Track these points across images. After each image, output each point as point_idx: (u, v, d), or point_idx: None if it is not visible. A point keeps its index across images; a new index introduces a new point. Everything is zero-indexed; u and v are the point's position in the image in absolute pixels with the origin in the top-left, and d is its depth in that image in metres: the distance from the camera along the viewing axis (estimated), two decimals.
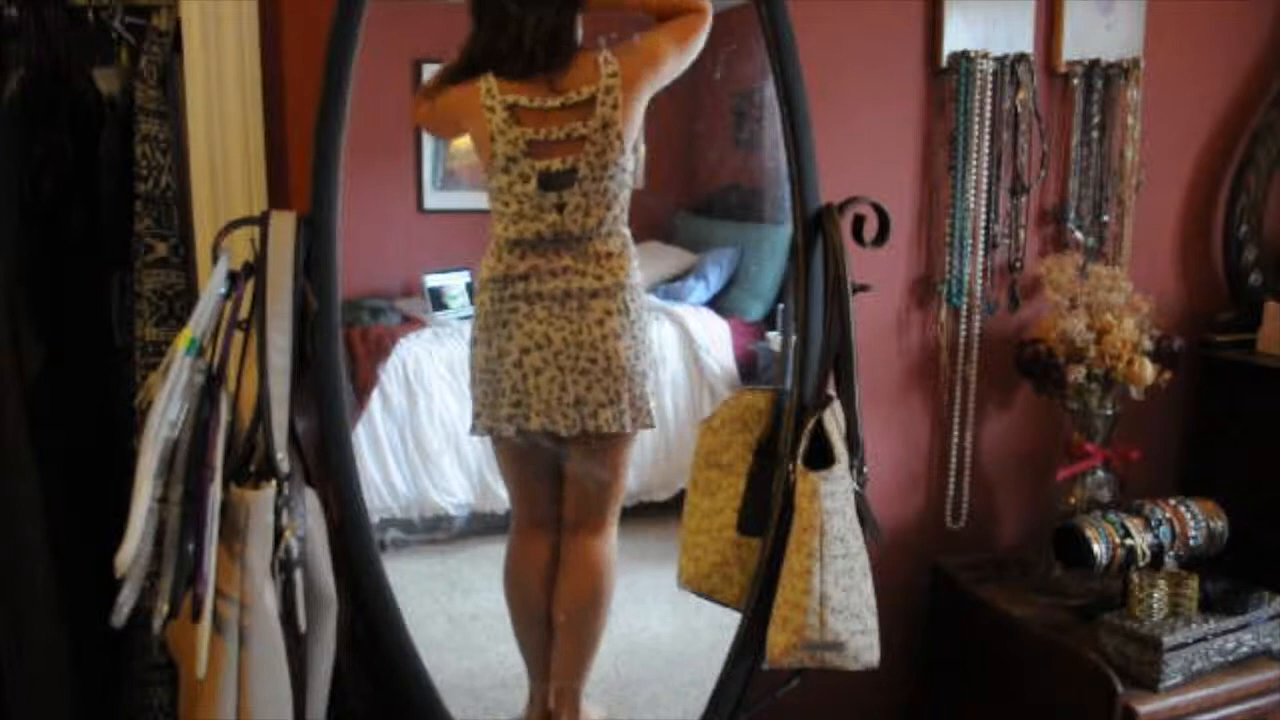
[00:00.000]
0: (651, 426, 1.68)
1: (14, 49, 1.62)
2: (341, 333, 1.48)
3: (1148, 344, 1.96)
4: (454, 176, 1.82)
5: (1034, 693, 1.88)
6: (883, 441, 2.03)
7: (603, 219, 1.61)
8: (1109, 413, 1.99)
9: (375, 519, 1.62)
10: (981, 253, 2.05)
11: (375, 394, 1.74)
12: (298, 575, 1.37)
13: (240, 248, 1.45)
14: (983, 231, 2.05)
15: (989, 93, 1.98)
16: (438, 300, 1.81)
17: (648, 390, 1.66)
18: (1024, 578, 2.05)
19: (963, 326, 2.08)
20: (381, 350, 1.74)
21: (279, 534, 1.36)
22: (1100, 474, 2.00)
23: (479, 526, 1.85)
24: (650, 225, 1.88)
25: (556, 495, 1.73)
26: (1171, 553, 1.84)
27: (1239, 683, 1.78)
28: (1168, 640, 1.70)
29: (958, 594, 2.06)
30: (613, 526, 1.74)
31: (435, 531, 1.84)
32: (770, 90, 1.61)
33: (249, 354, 1.43)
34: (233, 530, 1.33)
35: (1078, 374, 1.93)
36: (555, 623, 1.73)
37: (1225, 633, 1.78)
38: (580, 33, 1.60)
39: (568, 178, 1.58)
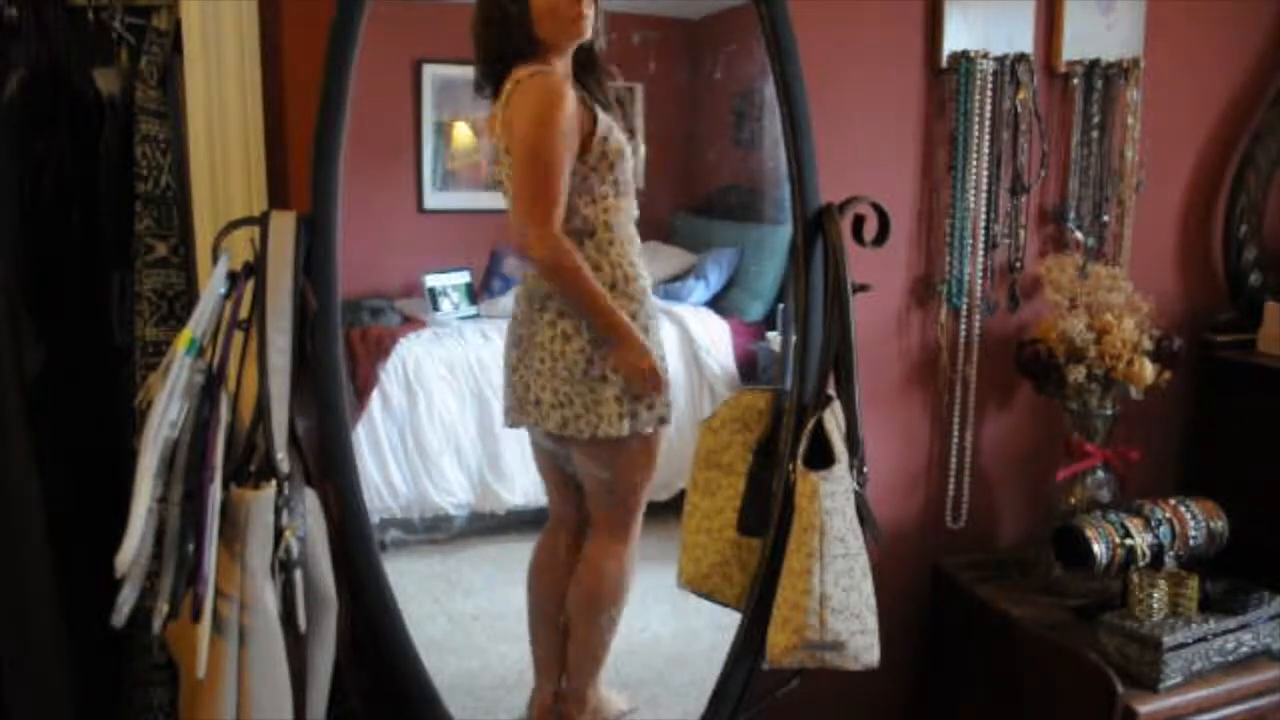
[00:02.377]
0: (615, 437, 1.62)
1: (14, 49, 1.62)
2: (341, 333, 1.48)
3: (1148, 344, 1.96)
4: (454, 177, 1.82)
5: (1034, 693, 1.88)
6: (883, 441, 2.02)
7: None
8: (1109, 413, 1.99)
9: (375, 519, 1.62)
10: (981, 253, 2.05)
11: (375, 394, 1.74)
12: (298, 575, 1.37)
13: (240, 248, 1.45)
14: (983, 231, 2.05)
15: (989, 93, 1.98)
16: (437, 300, 1.82)
17: (608, 396, 1.61)
18: (1024, 578, 2.05)
19: (963, 326, 2.07)
20: (381, 350, 1.74)
21: (279, 534, 1.36)
22: (1100, 474, 2.00)
23: (479, 526, 1.85)
24: (650, 225, 1.88)
25: (569, 494, 1.74)
26: (1171, 553, 1.84)
27: (1239, 683, 1.78)
28: (1168, 640, 1.70)
29: (958, 594, 2.06)
30: (625, 530, 1.71)
31: (435, 531, 1.84)
32: (770, 90, 1.61)
33: (249, 354, 1.43)
34: (233, 530, 1.33)
35: (1078, 374, 1.93)
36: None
37: (1225, 633, 1.78)
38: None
39: (502, 184, 1.61)
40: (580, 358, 1.60)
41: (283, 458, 1.37)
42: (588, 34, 1.55)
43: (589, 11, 1.53)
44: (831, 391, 1.60)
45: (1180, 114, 2.20)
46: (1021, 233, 2.09)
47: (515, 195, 1.56)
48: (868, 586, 1.55)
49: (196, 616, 1.27)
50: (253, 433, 1.40)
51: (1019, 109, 2.03)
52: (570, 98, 1.53)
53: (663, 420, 1.67)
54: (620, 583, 1.72)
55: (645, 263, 1.67)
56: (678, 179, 1.94)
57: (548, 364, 1.61)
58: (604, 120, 1.57)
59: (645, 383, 1.62)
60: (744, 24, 1.64)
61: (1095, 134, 2.11)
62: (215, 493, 1.31)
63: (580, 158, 1.55)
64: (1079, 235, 2.13)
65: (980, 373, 2.09)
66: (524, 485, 1.82)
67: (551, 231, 1.52)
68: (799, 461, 1.53)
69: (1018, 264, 2.09)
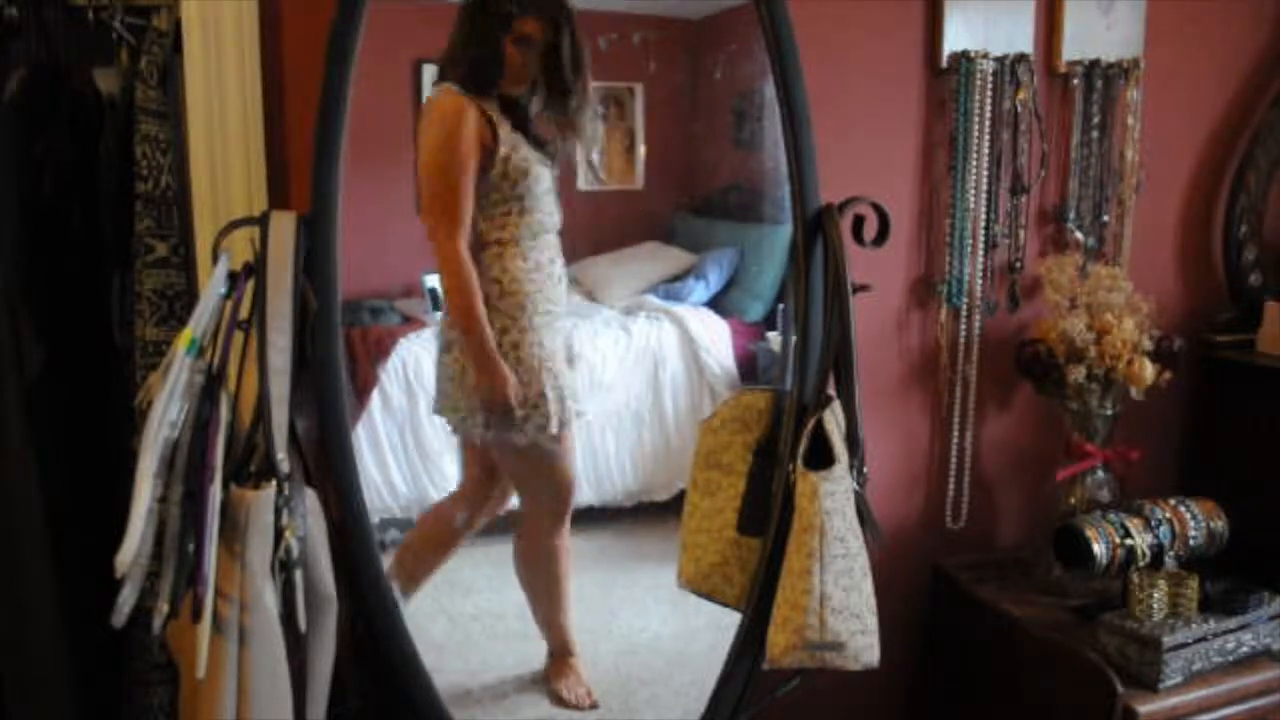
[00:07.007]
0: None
1: (14, 49, 1.62)
2: (341, 333, 1.48)
3: (1148, 344, 1.96)
4: None
5: (1034, 693, 1.88)
6: (883, 441, 2.03)
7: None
8: (1109, 413, 1.99)
9: (375, 519, 1.62)
10: (981, 253, 2.05)
11: (375, 394, 1.74)
12: (298, 575, 1.37)
13: (240, 248, 1.45)
14: (983, 231, 2.05)
15: (989, 93, 1.98)
16: (438, 301, 1.81)
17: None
18: (1024, 578, 2.05)
19: (963, 326, 2.07)
20: (381, 350, 1.74)
21: (279, 534, 1.36)
22: (1100, 474, 2.00)
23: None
24: (650, 225, 1.88)
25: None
26: (1171, 553, 1.84)
27: (1239, 683, 1.78)
28: (1168, 640, 1.70)
29: (958, 594, 2.06)
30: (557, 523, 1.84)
31: None
32: (770, 90, 1.61)
33: (249, 354, 1.43)
34: (233, 530, 1.33)
35: (1078, 374, 1.93)
36: None
37: (1225, 633, 1.78)
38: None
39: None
40: (456, 367, 1.67)
41: (283, 458, 1.37)
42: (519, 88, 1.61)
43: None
44: (831, 391, 1.60)
45: (1180, 114, 2.20)
46: (1021, 233, 2.09)
47: (424, 210, 1.64)
48: (868, 586, 1.55)
49: (196, 616, 1.27)
50: (253, 433, 1.40)
51: (1019, 109, 2.03)
52: (470, 119, 1.58)
53: (541, 430, 1.69)
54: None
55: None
56: (678, 179, 1.94)
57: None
58: (507, 139, 1.61)
59: (494, 409, 1.67)
60: (744, 24, 1.64)
61: (1095, 134, 2.11)
62: (215, 493, 1.31)
63: (483, 174, 1.60)
64: (1079, 235, 2.13)
65: (980, 373, 2.09)
66: None
67: (455, 248, 1.60)
68: (799, 461, 1.53)
69: (1018, 264, 2.09)
